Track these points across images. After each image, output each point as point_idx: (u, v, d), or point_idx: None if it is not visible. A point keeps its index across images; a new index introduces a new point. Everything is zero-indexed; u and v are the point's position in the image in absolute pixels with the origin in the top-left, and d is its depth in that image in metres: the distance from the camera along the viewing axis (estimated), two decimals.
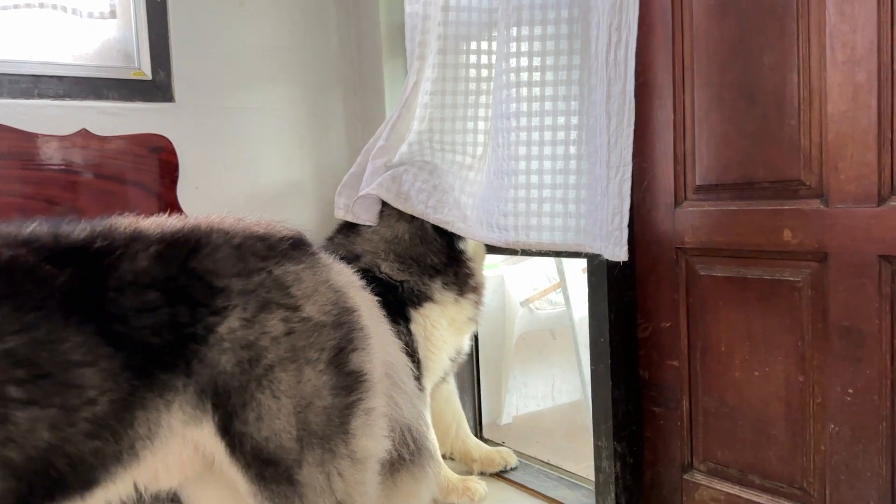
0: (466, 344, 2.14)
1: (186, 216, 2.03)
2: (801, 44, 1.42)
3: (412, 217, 1.98)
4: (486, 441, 2.41)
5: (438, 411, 2.20)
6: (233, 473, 1.10)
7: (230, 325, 1.08)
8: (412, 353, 1.97)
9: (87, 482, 0.99)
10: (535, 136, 1.64)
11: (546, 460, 2.22)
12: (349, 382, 1.15)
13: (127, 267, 1.04)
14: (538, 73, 1.64)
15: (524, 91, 1.64)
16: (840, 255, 1.39)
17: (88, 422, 0.96)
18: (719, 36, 1.56)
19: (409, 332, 1.97)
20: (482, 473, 2.17)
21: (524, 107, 1.65)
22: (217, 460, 1.10)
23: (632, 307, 1.79)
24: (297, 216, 2.26)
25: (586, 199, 1.64)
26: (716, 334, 1.62)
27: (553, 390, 2.78)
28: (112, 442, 1.00)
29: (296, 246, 1.20)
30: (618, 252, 1.51)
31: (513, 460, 2.19)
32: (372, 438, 1.17)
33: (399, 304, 1.98)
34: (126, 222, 1.10)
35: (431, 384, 2.05)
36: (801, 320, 1.46)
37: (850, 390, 1.39)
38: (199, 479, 1.18)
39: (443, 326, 2.02)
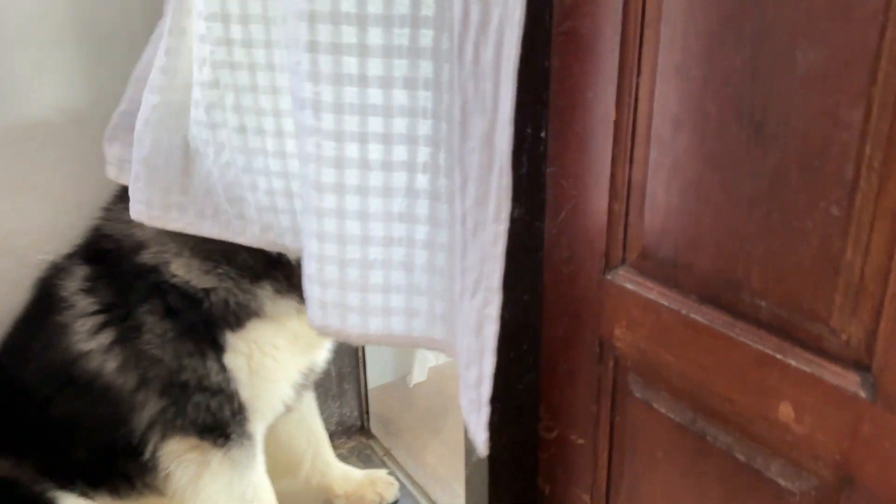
0: (324, 356, 1.52)
1: None
2: (889, 43, 0.62)
3: None
4: (371, 438, 1.89)
5: (288, 436, 1.65)
6: None
7: None
8: (229, 397, 1.37)
9: None
10: (353, 150, 0.88)
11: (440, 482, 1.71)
12: None
13: None
14: (352, 30, 0.83)
15: (326, 63, 0.85)
16: (877, 490, 0.72)
17: None
18: None
19: (223, 369, 1.35)
20: None
21: (327, 94, 0.86)
22: None
23: (532, 393, 1.14)
24: (74, 162, 1.53)
25: (444, 267, 0.92)
26: (649, 493, 0.99)
27: None
28: None
29: None
30: (474, 431, 0.84)
31: (390, 493, 1.67)
32: None
33: (205, 327, 1.34)
34: None
35: (266, 425, 1.47)
36: None
37: None
38: None
39: (281, 349, 1.39)
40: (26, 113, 1.48)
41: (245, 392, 1.37)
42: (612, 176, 0.91)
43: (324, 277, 0.95)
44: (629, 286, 0.92)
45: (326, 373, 1.75)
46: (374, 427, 1.89)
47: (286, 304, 1.37)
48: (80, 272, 1.42)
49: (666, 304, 0.88)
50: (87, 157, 1.54)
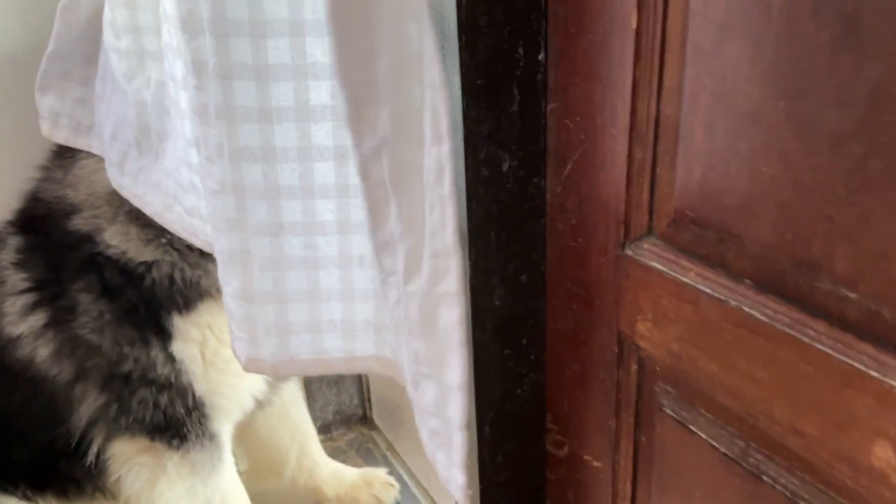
0: None
1: None
2: None
3: None
4: (374, 429, 1.69)
5: (269, 431, 1.45)
6: None
7: None
8: (181, 392, 1.18)
9: None
10: (216, 89, 0.64)
11: None
12: None
13: None
14: None
15: None
16: None
17: None
18: None
19: (171, 360, 1.16)
20: None
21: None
22: None
23: (535, 399, 0.91)
24: (14, 115, 1.34)
25: (364, 254, 0.69)
26: None
27: None
28: None
29: None
30: (445, 474, 0.62)
31: (389, 496, 1.47)
32: None
33: (148, 309, 1.15)
34: None
35: (233, 423, 1.28)
36: None
37: None
38: None
39: None
40: None
41: (200, 386, 1.18)
42: (634, 110, 0.66)
43: (247, 290, 0.73)
44: (656, 265, 0.68)
45: None
46: (377, 416, 1.69)
47: None
48: (14, 242, 1.23)
49: (708, 291, 0.63)
50: (29, 109, 1.34)
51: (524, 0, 0.71)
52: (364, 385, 1.68)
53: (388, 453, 1.62)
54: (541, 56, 0.73)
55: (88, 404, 1.19)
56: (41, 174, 1.25)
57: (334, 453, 1.59)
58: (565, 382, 0.86)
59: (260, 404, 1.30)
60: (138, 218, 1.12)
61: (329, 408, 1.66)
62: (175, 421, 1.20)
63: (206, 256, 1.12)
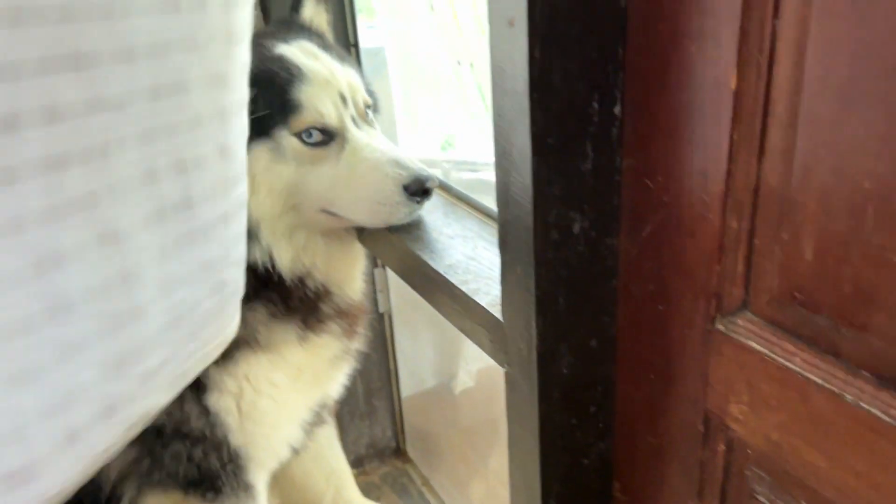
0: (337, 389, 1.27)
1: None
2: None
3: None
4: (408, 462, 1.64)
5: (303, 474, 1.41)
6: None
7: None
8: (216, 445, 1.13)
9: None
10: None
11: None
12: None
13: None
14: None
15: None
16: None
17: None
18: None
19: (206, 412, 1.11)
20: None
21: None
22: None
23: (602, 469, 0.85)
24: None
25: None
26: None
27: None
28: None
29: None
30: None
31: None
32: None
33: None
34: None
35: (269, 473, 1.23)
36: None
37: None
38: None
39: (280, 386, 1.14)
40: None
41: (236, 439, 1.13)
42: (730, 175, 0.60)
43: None
44: (755, 345, 0.62)
45: (352, 390, 1.50)
46: (412, 448, 1.64)
47: (284, 331, 1.12)
48: None
49: (818, 380, 0.57)
50: None
51: (600, 51, 0.65)
52: (398, 417, 1.63)
53: (423, 489, 1.57)
54: (616, 109, 0.68)
55: (119, 458, 1.15)
56: None
57: (368, 488, 1.54)
58: (638, 453, 0.80)
59: (296, 451, 1.26)
60: None
61: (362, 441, 1.61)
62: (209, 474, 1.15)
63: (243, 306, 1.07)
